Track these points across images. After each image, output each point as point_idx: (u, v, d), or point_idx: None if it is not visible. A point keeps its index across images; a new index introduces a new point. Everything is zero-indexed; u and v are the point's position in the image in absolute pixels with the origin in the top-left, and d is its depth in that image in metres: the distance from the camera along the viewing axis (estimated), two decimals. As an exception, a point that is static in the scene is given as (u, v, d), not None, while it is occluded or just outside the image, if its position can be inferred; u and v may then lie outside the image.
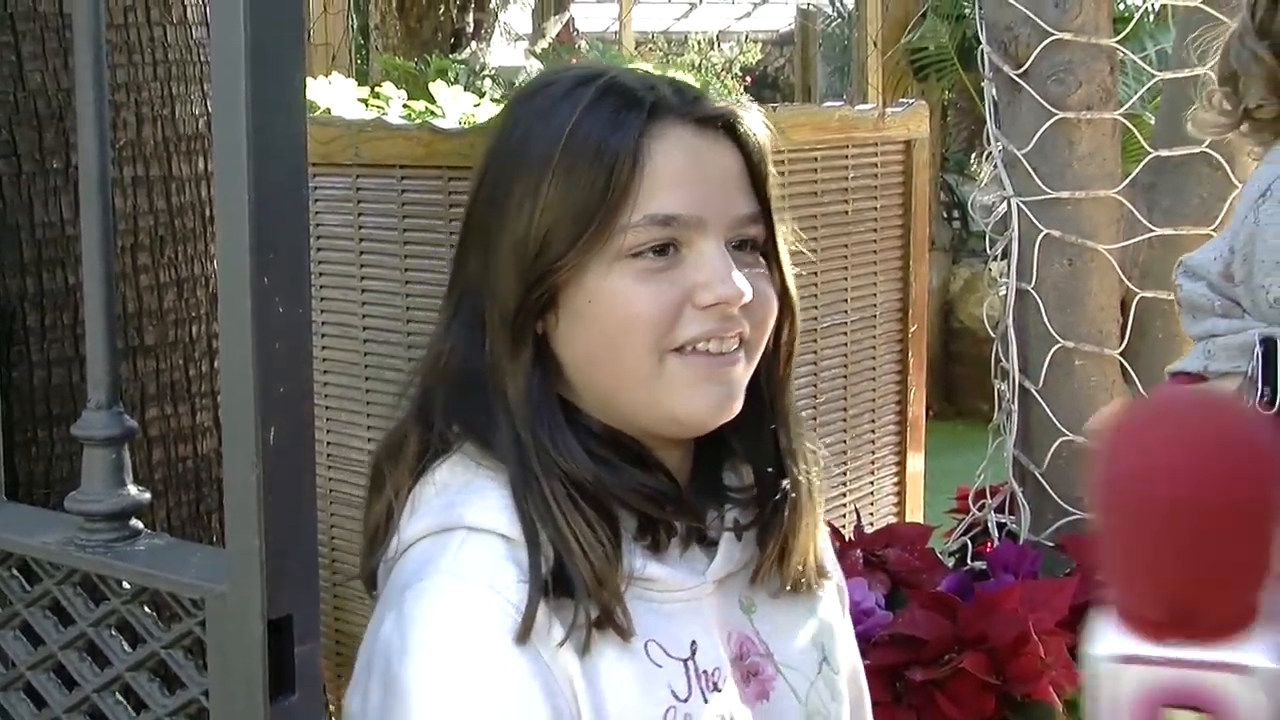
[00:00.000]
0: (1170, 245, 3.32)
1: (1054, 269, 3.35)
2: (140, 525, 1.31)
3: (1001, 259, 3.50)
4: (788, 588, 1.37)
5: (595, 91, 1.27)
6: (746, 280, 1.27)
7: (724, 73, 14.45)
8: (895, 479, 4.20)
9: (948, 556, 3.53)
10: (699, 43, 15.54)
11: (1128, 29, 3.41)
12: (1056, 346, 3.35)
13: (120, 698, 1.32)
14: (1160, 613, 0.89)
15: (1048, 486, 3.40)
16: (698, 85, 1.38)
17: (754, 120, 1.32)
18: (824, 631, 1.42)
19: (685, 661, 1.27)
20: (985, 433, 3.70)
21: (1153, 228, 3.29)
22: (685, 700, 1.25)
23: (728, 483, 1.38)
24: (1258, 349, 1.39)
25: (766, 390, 1.36)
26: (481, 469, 1.28)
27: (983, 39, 3.30)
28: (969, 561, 3.44)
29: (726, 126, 1.30)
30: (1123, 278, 3.33)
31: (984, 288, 8.26)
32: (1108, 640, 0.91)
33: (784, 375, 1.39)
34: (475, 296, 1.31)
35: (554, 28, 12.55)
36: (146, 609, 1.29)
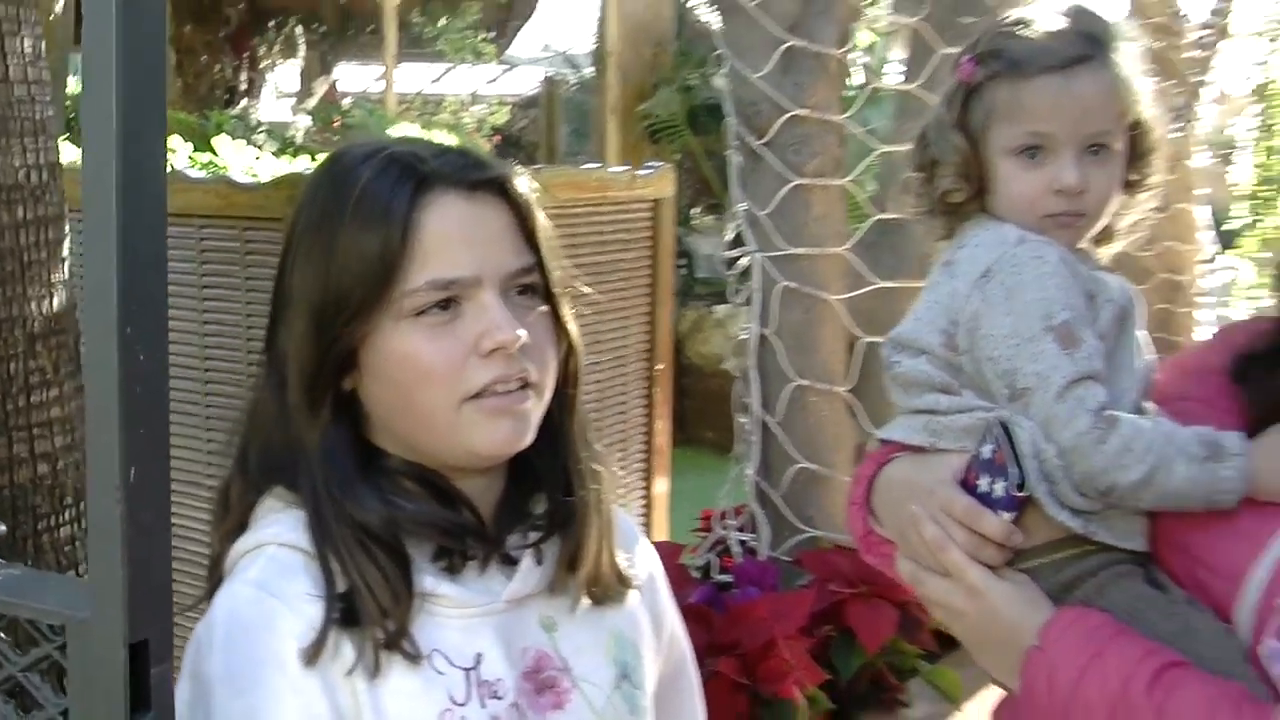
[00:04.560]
0: (890, 296, 3.44)
1: (791, 317, 3.44)
2: (-5, 556, 1.27)
3: (743, 305, 3.58)
4: (584, 600, 1.39)
5: (374, 168, 1.28)
6: (524, 325, 1.29)
7: (475, 132, 14.43)
8: (643, 502, 4.25)
9: (693, 570, 3.59)
10: (453, 104, 15.50)
11: (854, 108, 3.52)
12: (793, 385, 3.44)
13: (-28, 719, 1.28)
14: None
15: (785, 508, 3.49)
16: (476, 151, 1.38)
17: (521, 179, 1.34)
18: (625, 650, 1.43)
19: (468, 671, 1.28)
20: (711, 458, 3.78)
21: (876, 281, 3.40)
22: (463, 705, 1.27)
23: (534, 508, 1.39)
24: (997, 431, 1.41)
25: (557, 416, 1.38)
26: (290, 505, 1.30)
27: (729, 113, 3.38)
28: (713, 575, 3.51)
29: (497, 188, 1.32)
30: (850, 325, 3.44)
31: (708, 328, 8.43)
32: None
33: (571, 401, 1.41)
34: (282, 358, 1.31)
35: (321, 87, 12.44)
36: (2, 635, 1.25)
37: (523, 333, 1.28)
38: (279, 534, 1.28)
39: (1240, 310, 7.10)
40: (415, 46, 14.76)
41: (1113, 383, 1.50)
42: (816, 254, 3.38)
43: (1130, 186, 1.60)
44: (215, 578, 1.33)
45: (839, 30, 3.28)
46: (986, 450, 1.44)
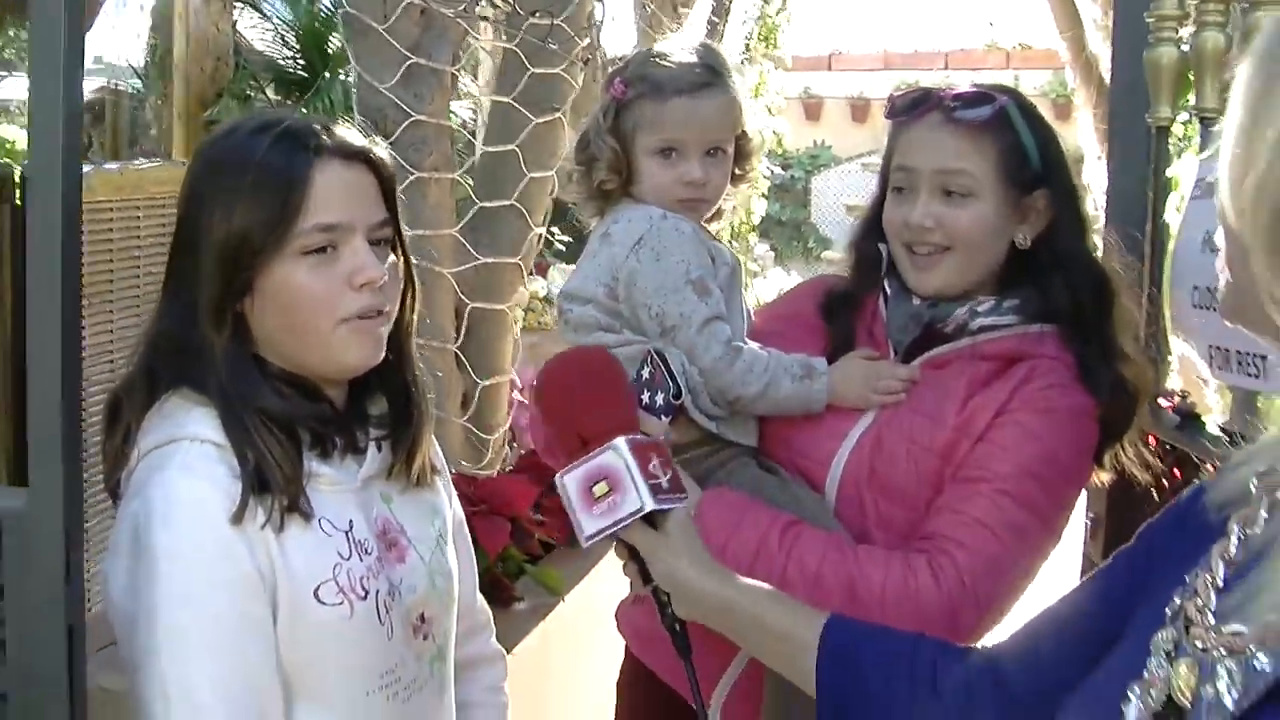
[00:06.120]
0: (490, 270, 3.73)
1: (410, 287, 3.64)
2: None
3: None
4: (414, 482, 1.62)
5: (274, 136, 1.47)
6: (384, 266, 1.51)
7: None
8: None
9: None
10: (16, 109, 14.56)
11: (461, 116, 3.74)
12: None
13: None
14: (574, 445, 1.47)
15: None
16: (349, 129, 1.54)
17: (382, 153, 1.55)
18: (439, 517, 1.67)
19: (346, 533, 1.50)
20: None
21: (479, 257, 3.67)
22: (347, 559, 1.49)
23: (371, 410, 1.60)
24: (654, 357, 1.67)
25: (398, 341, 1.60)
26: (197, 404, 1.47)
27: (356, 115, 3.55)
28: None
29: (364, 159, 1.52)
30: (458, 293, 3.69)
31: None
32: (562, 473, 1.48)
33: (408, 331, 1.63)
34: (188, 288, 1.48)
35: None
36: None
37: (387, 271, 1.50)
38: (195, 431, 1.43)
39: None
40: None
41: (730, 323, 1.85)
42: (432, 234, 3.61)
43: (735, 179, 1.95)
44: (118, 465, 1.47)
45: (452, 50, 3.52)
46: (646, 372, 1.72)
